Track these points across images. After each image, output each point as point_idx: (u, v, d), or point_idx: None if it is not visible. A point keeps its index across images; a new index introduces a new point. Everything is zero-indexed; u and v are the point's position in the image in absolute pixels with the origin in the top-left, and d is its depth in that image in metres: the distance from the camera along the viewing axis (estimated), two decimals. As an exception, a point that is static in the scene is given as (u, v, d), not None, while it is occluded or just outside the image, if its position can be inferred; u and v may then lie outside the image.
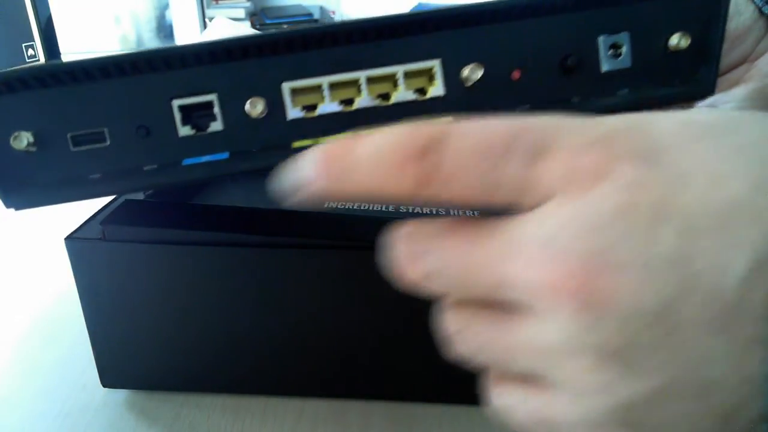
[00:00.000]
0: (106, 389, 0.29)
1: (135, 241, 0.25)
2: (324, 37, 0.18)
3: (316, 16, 1.90)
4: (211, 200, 0.37)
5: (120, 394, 0.29)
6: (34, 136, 0.18)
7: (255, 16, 1.55)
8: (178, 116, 0.19)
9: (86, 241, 0.26)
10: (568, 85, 0.20)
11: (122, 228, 0.25)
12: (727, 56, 0.29)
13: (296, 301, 0.26)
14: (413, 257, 0.14)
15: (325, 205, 0.32)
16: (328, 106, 0.19)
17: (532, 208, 0.13)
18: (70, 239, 0.26)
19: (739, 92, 0.28)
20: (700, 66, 0.20)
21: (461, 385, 0.28)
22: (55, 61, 0.21)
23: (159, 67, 0.18)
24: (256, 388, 0.29)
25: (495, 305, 0.14)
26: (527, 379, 0.14)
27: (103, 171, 0.19)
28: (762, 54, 0.28)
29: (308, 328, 0.27)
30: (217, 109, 0.19)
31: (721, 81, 0.29)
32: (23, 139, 0.18)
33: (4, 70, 0.18)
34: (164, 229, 0.25)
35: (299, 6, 1.69)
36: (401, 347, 0.27)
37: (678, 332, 0.11)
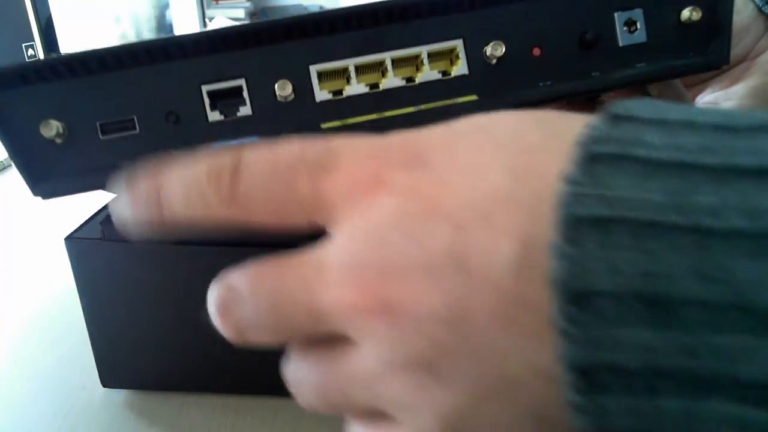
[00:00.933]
0: (106, 389, 0.29)
1: (134, 241, 0.25)
2: (350, 19, 0.19)
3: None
4: None
5: (120, 394, 0.29)
6: (64, 124, 0.19)
7: (255, 15, 1.55)
8: (207, 102, 0.19)
9: (86, 241, 0.26)
10: (588, 60, 0.20)
11: None
12: None
13: None
14: (225, 311, 0.14)
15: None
16: (355, 87, 0.19)
17: (330, 227, 0.13)
18: (70, 239, 0.26)
19: (739, 90, 0.29)
20: (713, 37, 0.20)
21: None
22: (85, 50, 0.20)
23: (189, 53, 0.19)
24: (256, 389, 0.29)
25: (323, 343, 0.13)
26: (373, 414, 0.13)
27: (132, 158, 0.19)
28: (762, 52, 0.29)
29: None
30: (246, 94, 0.19)
31: (721, 79, 0.30)
32: (53, 127, 0.18)
33: (35, 60, 0.18)
34: None
35: (299, 6, 1.69)
36: None
37: (473, 332, 0.11)
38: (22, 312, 0.37)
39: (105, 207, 0.29)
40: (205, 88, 0.19)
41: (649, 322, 0.09)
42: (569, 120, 0.12)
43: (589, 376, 0.10)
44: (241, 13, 1.32)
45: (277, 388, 0.28)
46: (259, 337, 0.14)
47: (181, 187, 0.14)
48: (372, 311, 0.12)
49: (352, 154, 0.13)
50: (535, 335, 0.10)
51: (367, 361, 0.12)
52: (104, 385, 0.29)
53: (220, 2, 1.33)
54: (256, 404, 0.28)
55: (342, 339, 0.13)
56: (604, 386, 0.10)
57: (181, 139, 0.19)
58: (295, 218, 0.13)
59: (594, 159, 0.10)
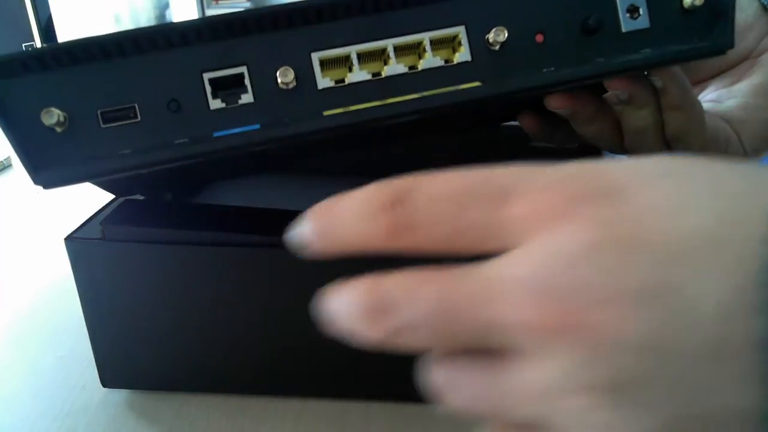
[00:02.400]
0: (106, 389, 0.29)
1: (134, 241, 0.25)
2: (352, 6, 0.19)
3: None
4: (210, 200, 0.37)
5: (120, 394, 0.29)
6: (65, 113, 0.19)
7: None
8: (209, 89, 0.19)
9: (86, 241, 0.26)
10: (591, 45, 0.20)
11: (122, 228, 0.26)
12: (730, 52, 0.29)
13: (296, 302, 0.26)
14: (378, 314, 0.14)
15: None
16: (358, 74, 0.19)
17: (497, 253, 0.13)
18: (70, 239, 0.26)
19: (742, 87, 0.29)
20: (716, 22, 0.20)
21: None
22: (87, 36, 0.20)
23: (190, 40, 0.18)
24: (256, 389, 0.29)
25: (480, 353, 0.14)
26: (528, 428, 0.13)
27: (133, 146, 0.19)
28: (766, 50, 0.29)
29: (308, 328, 0.27)
30: (247, 81, 0.19)
31: (724, 76, 0.30)
32: (54, 116, 0.18)
33: (36, 47, 0.18)
34: (164, 229, 0.25)
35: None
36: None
37: (672, 363, 0.11)
38: (23, 312, 0.37)
39: (105, 207, 0.29)
40: (206, 76, 0.19)
41: None
42: (765, 173, 0.12)
43: None
44: (241, 13, 1.32)
45: (277, 388, 0.29)
46: (413, 342, 0.14)
47: (354, 210, 0.14)
48: (558, 331, 0.12)
49: (532, 184, 0.13)
50: (741, 377, 0.11)
51: (544, 376, 0.12)
52: (104, 385, 0.29)
53: (220, 2, 1.33)
54: (256, 404, 0.28)
55: (508, 351, 0.13)
56: None
57: (183, 128, 0.19)
58: (463, 245, 0.14)
59: None
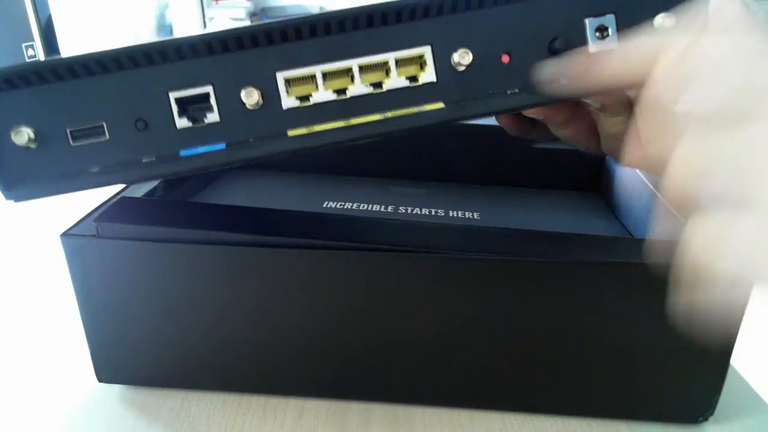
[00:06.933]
0: (101, 384, 0.29)
1: (129, 239, 0.26)
2: (316, 26, 0.19)
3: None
4: (205, 199, 0.37)
5: (115, 389, 0.29)
6: (35, 131, 0.19)
7: (255, 16, 1.55)
8: (175, 108, 0.19)
9: (81, 238, 0.26)
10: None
11: (116, 225, 0.26)
12: None
13: (292, 300, 0.27)
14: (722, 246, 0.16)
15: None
16: (322, 94, 0.19)
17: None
18: (65, 236, 0.26)
19: None
20: (687, 45, 0.20)
21: (461, 387, 0.28)
22: (54, 57, 0.21)
23: (155, 60, 0.19)
24: (251, 387, 0.29)
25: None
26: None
27: (102, 164, 0.20)
28: None
29: (306, 328, 0.27)
30: (213, 101, 0.19)
31: None
32: (24, 135, 0.19)
33: (4, 67, 0.18)
34: (158, 226, 0.26)
35: (299, 6, 1.70)
36: (401, 348, 0.27)
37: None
38: (18, 307, 0.38)
39: (101, 205, 0.29)
40: (172, 95, 0.19)
41: None
42: None
43: None
44: (241, 13, 1.32)
45: (277, 388, 0.29)
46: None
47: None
48: None
49: None
50: None
51: None
52: (99, 380, 0.29)
53: (220, 2, 1.33)
54: (257, 403, 0.29)
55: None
56: None
57: (150, 146, 0.19)
58: (740, 101, 0.16)
59: None
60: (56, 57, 0.19)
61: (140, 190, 0.31)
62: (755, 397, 0.30)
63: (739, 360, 0.29)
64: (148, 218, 0.26)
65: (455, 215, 0.36)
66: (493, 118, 0.25)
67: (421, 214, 0.36)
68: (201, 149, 0.19)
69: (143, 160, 0.19)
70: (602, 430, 0.28)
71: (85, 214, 0.28)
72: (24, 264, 0.43)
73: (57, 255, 0.27)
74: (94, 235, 0.26)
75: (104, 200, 0.30)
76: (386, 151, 0.43)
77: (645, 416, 0.28)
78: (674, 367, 0.27)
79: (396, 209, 0.36)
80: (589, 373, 0.27)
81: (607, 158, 0.41)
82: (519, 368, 0.27)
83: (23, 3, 0.65)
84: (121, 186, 0.32)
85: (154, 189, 0.32)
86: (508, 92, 0.20)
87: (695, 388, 0.27)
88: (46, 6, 0.68)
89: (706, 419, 0.28)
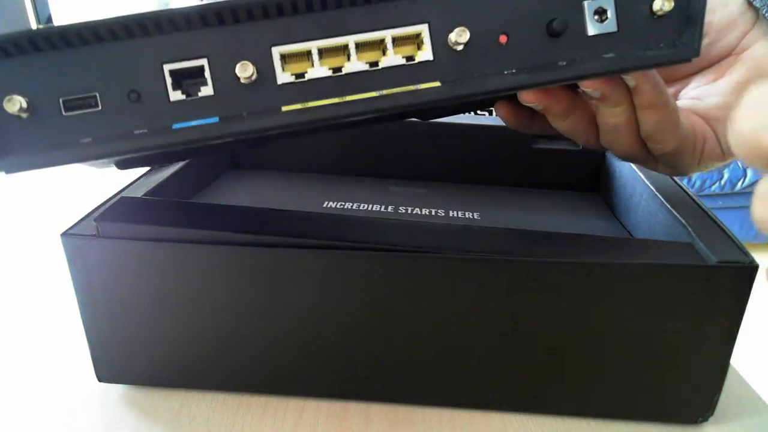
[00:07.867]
0: (101, 384, 0.29)
1: (129, 239, 0.26)
2: (314, 0, 0.19)
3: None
4: (205, 199, 0.37)
5: (115, 389, 0.29)
6: (27, 100, 0.19)
7: None
8: (169, 81, 0.19)
9: (81, 238, 0.26)
10: (555, 48, 0.20)
11: (116, 225, 0.26)
12: (712, 48, 0.29)
13: (292, 301, 0.26)
14: None
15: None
16: (318, 70, 0.19)
17: None
18: (65, 235, 0.26)
19: (723, 85, 0.29)
20: (685, 29, 0.20)
21: (462, 387, 0.28)
22: (48, 25, 0.21)
23: (150, 31, 0.19)
24: (251, 387, 0.29)
25: None
26: None
27: (94, 135, 0.19)
28: (748, 47, 0.28)
29: (306, 328, 0.27)
30: (207, 74, 0.19)
31: (706, 73, 0.30)
32: (16, 103, 0.18)
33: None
34: (158, 226, 0.25)
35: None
36: (401, 347, 0.27)
37: None
38: (18, 307, 0.37)
39: (101, 204, 0.29)
40: (166, 67, 0.19)
41: None
42: None
43: None
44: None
45: (277, 387, 0.28)
46: None
47: None
48: None
49: None
50: None
51: None
52: (99, 380, 0.29)
53: (222, 6, 1.35)
54: (257, 403, 0.28)
55: None
56: None
57: (143, 118, 0.19)
58: None
59: None
60: (50, 25, 0.18)
61: (140, 190, 0.31)
62: (755, 397, 0.30)
63: (739, 360, 0.29)
64: (149, 218, 0.26)
65: (455, 215, 0.36)
66: (493, 117, 0.25)
67: (421, 214, 0.36)
68: (194, 122, 0.19)
69: (135, 132, 0.19)
70: (602, 430, 0.27)
71: (85, 213, 0.28)
72: (24, 264, 0.43)
73: (57, 255, 0.27)
74: (94, 235, 0.26)
75: (104, 200, 0.30)
76: (386, 151, 0.43)
77: (645, 416, 0.28)
78: (674, 367, 0.26)
79: (396, 209, 0.36)
80: (589, 373, 0.27)
81: (607, 158, 0.41)
82: (519, 368, 0.27)
83: (23, 3, 0.66)
84: (121, 185, 0.32)
85: (154, 189, 0.32)
86: (506, 72, 0.20)
87: (695, 388, 0.27)
88: (46, 6, 0.69)
89: (705, 419, 0.27)
